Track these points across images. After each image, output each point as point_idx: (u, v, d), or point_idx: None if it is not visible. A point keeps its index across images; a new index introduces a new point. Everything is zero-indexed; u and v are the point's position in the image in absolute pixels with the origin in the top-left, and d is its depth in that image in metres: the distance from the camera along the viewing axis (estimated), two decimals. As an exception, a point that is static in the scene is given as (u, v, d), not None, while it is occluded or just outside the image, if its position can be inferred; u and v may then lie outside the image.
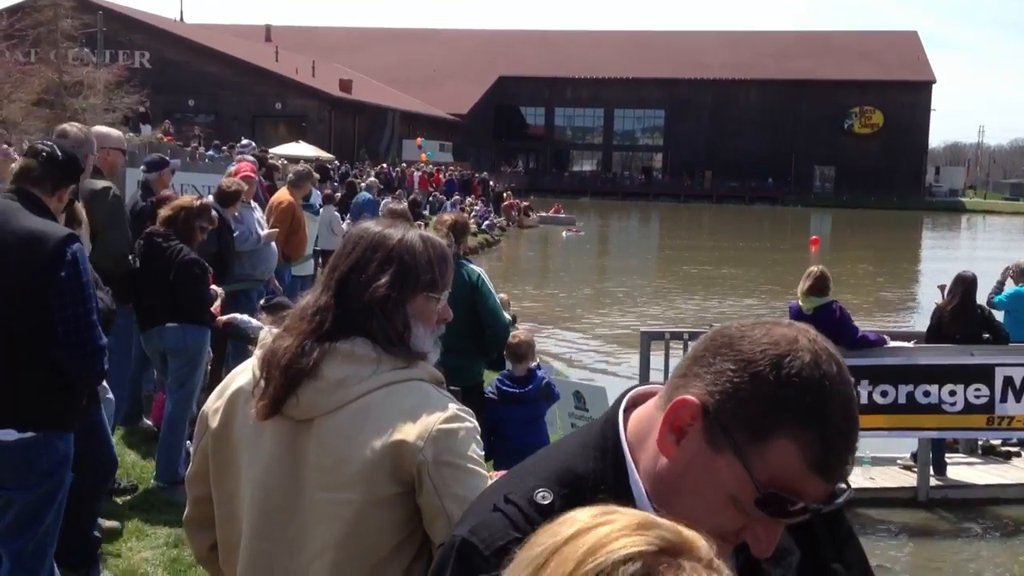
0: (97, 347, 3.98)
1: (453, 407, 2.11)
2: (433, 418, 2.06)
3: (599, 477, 1.40)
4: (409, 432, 2.04)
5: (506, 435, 6.51)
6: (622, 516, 0.98)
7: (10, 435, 3.89)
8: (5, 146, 19.29)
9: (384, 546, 2.07)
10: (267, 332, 2.23)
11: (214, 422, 2.23)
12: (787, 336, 1.32)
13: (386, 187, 31.61)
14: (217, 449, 2.22)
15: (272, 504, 2.12)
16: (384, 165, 46.52)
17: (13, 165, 4.42)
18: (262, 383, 2.12)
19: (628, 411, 1.47)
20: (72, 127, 5.93)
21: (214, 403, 2.26)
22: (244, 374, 2.23)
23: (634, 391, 1.50)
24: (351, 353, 2.10)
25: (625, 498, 1.37)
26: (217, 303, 6.97)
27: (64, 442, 4.04)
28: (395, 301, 2.14)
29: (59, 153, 4.09)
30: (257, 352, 2.19)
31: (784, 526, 1.34)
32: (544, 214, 49.08)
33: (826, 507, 1.31)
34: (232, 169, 10.27)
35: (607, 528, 0.96)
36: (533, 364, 6.93)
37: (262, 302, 7.84)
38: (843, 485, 1.32)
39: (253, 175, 9.89)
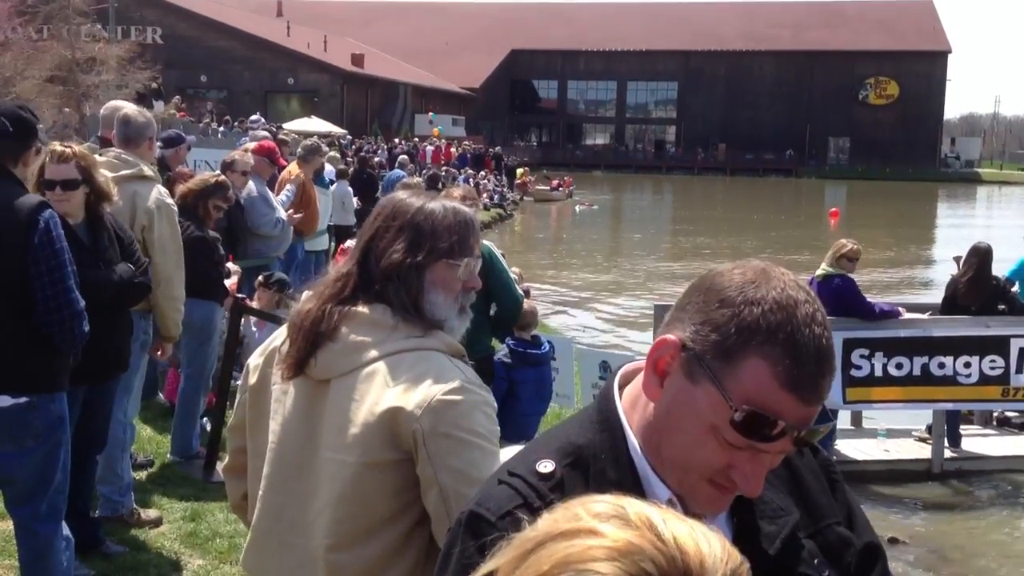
0: (75, 311, 4.03)
1: (461, 379, 2.11)
2: (436, 388, 2.07)
3: (599, 446, 1.43)
4: (408, 400, 2.06)
5: (519, 397, 6.62)
6: (619, 532, 0.93)
7: (4, 401, 3.97)
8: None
9: (379, 509, 2.10)
10: (305, 296, 2.28)
11: (253, 378, 2.32)
12: (757, 268, 1.37)
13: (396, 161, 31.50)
14: (253, 404, 2.31)
15: (287, 460, 2.19)
16: (397, 140, 46.48)
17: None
18: (287, 344, 2.19)
19: (623, 386, 1.50)
20: (133, 111, 5.91)
21: (256, 359, 2.34)
22: (282, 334, 2.30)
23: (626, 366, 1.53)
24: (369, 318, 2.15)
25: (625, 464, 1.41)
26: (233, 280, 6.98)
27: (56, 403, 4.12)
28: (410, 267, 2.17)
29: (9, 125, 4.06)
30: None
31: (770, 460, 1.35)
32: (541, 187, 48.54)
33: (804, 430, 1.32)
34: (251, 144, 10.21)
35: (594, 541, 0.92)
36: (535, 329, 7.04)
37: (259, 279, 7.85)
38: (822, 415, 1.35)
39: (271, 153, 9.82)
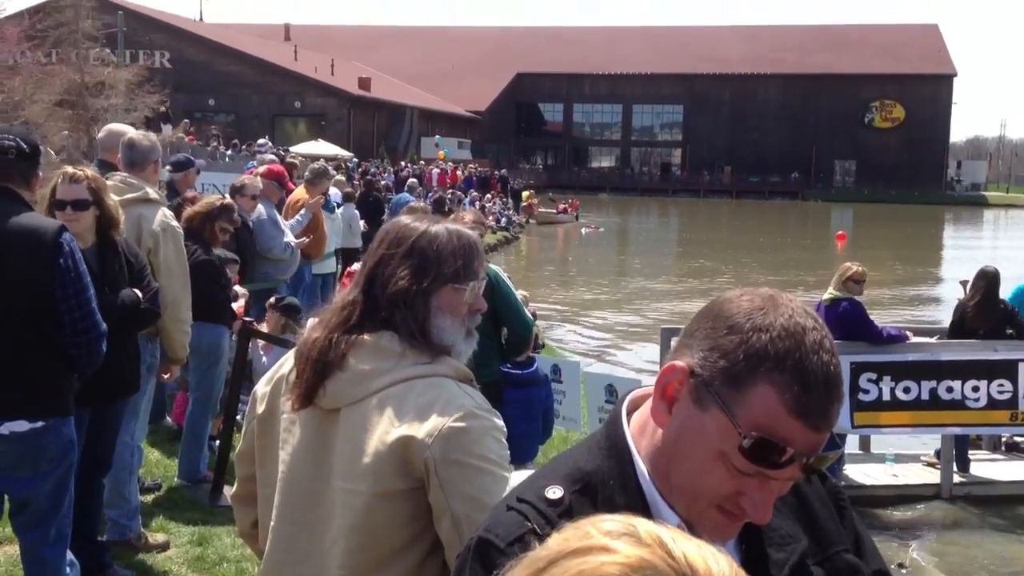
0: (100, 332, 4.14)
1: (470, 405, 2.11)
2: (447, 415, 2.06)
3: (607, 472, 1.43)
4: (419, 428, 2.05)
5: (505, 418, 6.54)
6: (631, 549, 0.94)
7: (22, 425, 4.00)
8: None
9: (392, 539, 2.09)
10: (310, 324, 2.27)
11: (260, 407, 2.30)
12: (764, 295, 1.38)
13: (404, 185, 31.60)
14: (262, 432, 2.29)
15: (298, 490, 2.18)
16: (403, 163, 46.61)
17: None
18: (294, 374, 2.18)
19: (631, 412, 1.51)
20: (138, 135, 5.95)
21: (263, 387, 2.32)
22: (289, 362, 2.29)
23: (634, 393, 1.54)
24: (377, 346, 2.13)
25: (634, 490, 1.41)
26: (240, 303, 6.99)
27: (68, 427, 4.17)
28: (417, 293, 2.16)
29: (25, 146, 4.15)
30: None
31: (779, 487, 1.36)
32: (545, 210, 48.56)
33: (813, 457, 1.32)
34: (259, 168, 10.26)
35: (607, 558, 0.92)
36: (528, 352, 6.95)
37: (271, 301, 7.87)
38: (830, 442, 1.35)
39: (280, 177, 9.86)
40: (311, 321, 2.27)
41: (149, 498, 6.44)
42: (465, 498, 2.02)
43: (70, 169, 4.79)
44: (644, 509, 1.39)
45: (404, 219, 2.30)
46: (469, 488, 2.03)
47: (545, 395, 6.84)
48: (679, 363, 1.37)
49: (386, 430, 2.06)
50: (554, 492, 1.41)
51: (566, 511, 1.39)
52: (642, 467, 1.42)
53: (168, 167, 8.83)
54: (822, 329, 1.35)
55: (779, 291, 1.40)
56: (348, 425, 2.11)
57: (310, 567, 2.15)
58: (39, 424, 4.02)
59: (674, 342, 8.30)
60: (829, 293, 8.54)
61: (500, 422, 2.16)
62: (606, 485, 1.42)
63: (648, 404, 1.45)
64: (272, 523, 2.23)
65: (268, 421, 2.28)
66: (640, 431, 1.45)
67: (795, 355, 1.31)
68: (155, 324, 5.37)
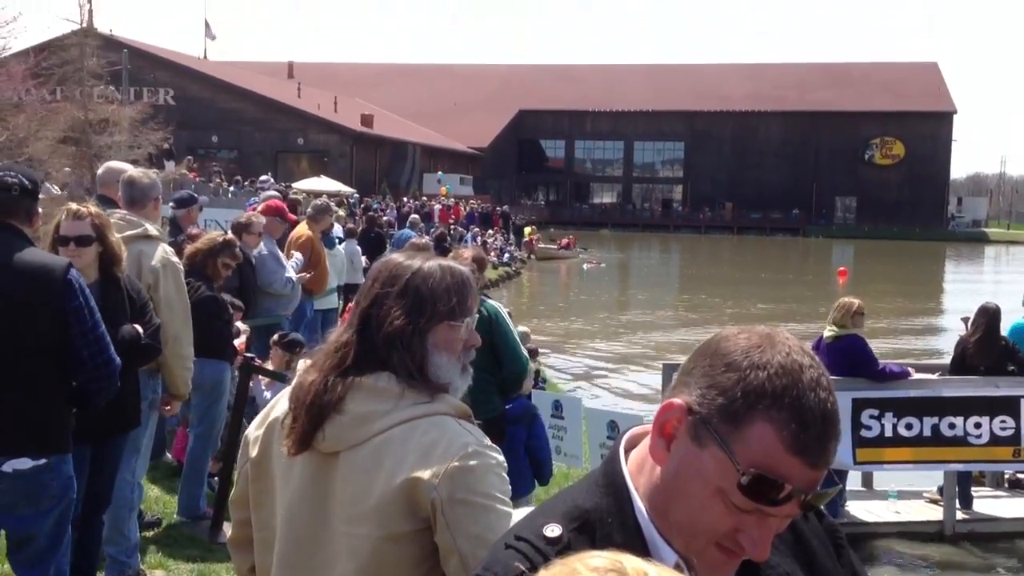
0: (117, 365, 4.20)
1: (473, 443, 2.10)
2: (450, 455, 2.05)
3: (605, 510, 1.44)
4: (425, 469, 2.04)
5: None
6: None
7: (25, 463, 4.00)
8: (46, 185, 19.56)
9: None
10: (303, 364, 2.26)
11: (254, 450, 2.27)
12: (762, 333, 1.39)
13: (406, 220, 31.71)
14: (256, 477, 2.27)
15: (298, 535, 2.15)
16: (406, 199, 46.78)
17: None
18: (290, 418, 2.15)
19: (629, 450, 1.51)
20: (138, 173, 6.00)
21: (255, 431, 2.30)
22: (283, 403, 2.26)
23: (632, 430, 1.54)
24: (374, 387, 2.12)
25: (632, 528, 1.41)
26: (242, 339, 7.00)
27: (67, 464, 4.17)
28: (413, 333, 2.15)
29: (27, 182, 4.19)
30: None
31: (777, 524, 1.36)
32: (545, 245, 48.63)
33: (811, 494, 1.33)
34: (259, 204, 10.31)
35: None
36: (525, 390, 6.88)
37: (274, 338, 7.87)
38: (828, 479, 1.36)
39: (280, 211, 9.90)
40: (302, 363, 2.25)
41: (148, 534, 6.41)
42: (472, 537, 2.02)
43: (74, 206, 4.82)
44: (642, 547, 1.39)
45: (396, 257, 2.30)
46: (475, 527, 2.02)
47: (524, 434, 6.70)
48: (677, 401, 1.38)
49: (391, 472, 2.05)
50: (552, 530, 1.42)
51: (564, 549, 1.39)
52: (640, 505, 1.43)
53: (171, 204, 8.89)
54: (819, 367, 1.36)
55: (777, 329, 1.41)
56: (349, 469, 2.09)
57: None
58: (42, 461, 4.02)
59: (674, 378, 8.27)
60: (831, 329, 8.51)
61: (501, 458, 2.16)
62: (604, 523, 1.42)
63: (646, 441, 1.46)
64: (273, 569, 2.20)
65: (262, 465, 2.25)
66: (638, 469, 1.46)
67: (792, 392, 1.32)
68: (156, 360, 5.38)
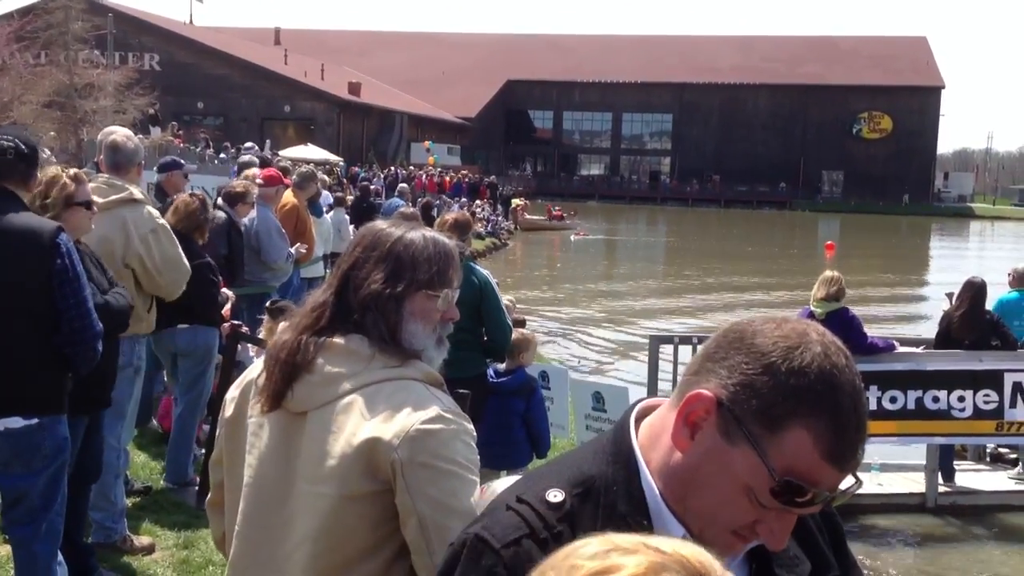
0: (96, 332, 4.19)
1: (438, 408, 2.09)
2: (414, 417, 2.05)
3: (611, 479, 1.42)
4: (386, 430, 2.04)
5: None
6: (631, 562, 0.94)
7: (16, 422, 4.05)
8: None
9: (358, 542, 2.08)
10: (281, 328, 2.26)
11: (228, 410, 2.28)
12: (797, 329, 1.36)
13: (393, 190, 31.62)
14: (229, 436, 2.28)
15: (264, 493, 2.16)
16: (392, 168, 46.60)
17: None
18: (264, 377, 2.17)
19: (639, 420, 1.50)
20: (122, 138, 5.94)
21: (232, 392, 2.31)
22: (257, 366, 2.28)
23: (643, 402, 1.54)
24: (345, 348, 2.12)
25: (637, 498, 1.40)
26: (227, 306, 6.98)
27: (61, 425, 4.20)
28: (389, 297, 2.15)
29: (24, 146, 4.20)
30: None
31: (796, 518, 1.37)
32: (538, 218, 48.59)
33: (838, 496, 1.34)
34: (254, 172, 10.16)
35: (620, 574, 0.93)
36: (525, 363, 6.93)
37: (267, 305, 7.84)
38: (853, 477, 1.36)
39: (279, 180, 9.80)
40: (282, 326, 2.26)
41: (135, 501, 6.41)
42: (432, 501, 2.02)
43: (73, 170, 4.84)
44: (646, 518, 1.39)
45: (381, 223, 2.30)
46: (435, 491, 2.03)
47: (523, 407, 6.76)
48: (706, 392, 1.35)
49: (353, 432, 2.06)
50: (555, 495, 1.41)
51: (566, 515, 1.40)
52: (648, 477, 1.42)
53: (155, 169, 8.82)
54: (853, 367, 1.36)
55: (809, 323, 1.39)
56: (315, 428, 2.10)
57: (274, 571, 2.13)
58: (34, 421, 4.06)
59: (664, 350, 8.27)
60: (822, 305, 8.45)
61: (470, 426, 2.16)
62: (609, 491, 1.41)
63: (659, 414, 1.46)
64: (237, 528, 2.21)
65: (235, 425, 2.25)
66: (650, 443, 1.44)
67: (831, 399, 1.31)
68: (146, 323, 5.44)
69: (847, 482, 1.36)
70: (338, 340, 2.12)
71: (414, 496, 2.02)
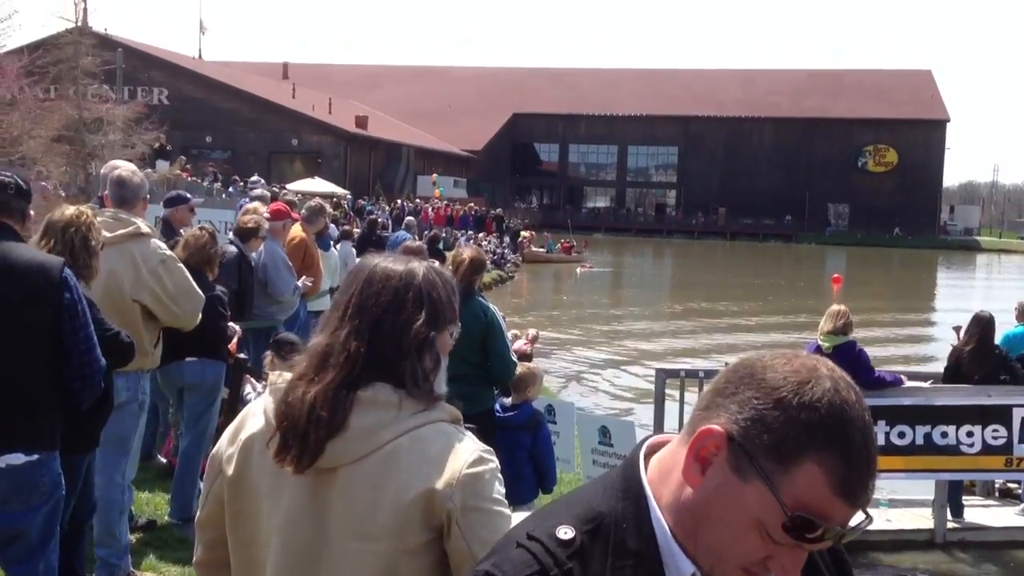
0: (101, 366, 4.21)
1: (477, 449, 2.10)
2: (460, 462, 2.05)
3: (621, 515, 1.42)
4: (438, 479, 2.02)
5: None
6: None
7: (18, 458, 4.01)
8: (44, 183, 19.51)
9: None
10: (277, 375, 2.17)
11: (228, 469, 2.17)
12: (807, 364, 1.37)
13: (400, 222, 31.71)
14: (233, 497, 2.17)
15: (296, 553, 2.09)
16: (399, 200, 46.76)
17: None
18: (285, 436, 2.05)
19: (648, 456, 1.50)
20: (127, 172, 5.97)
21: (227, 449, 2.20)
22: (256, 418, 2.17)
23: (652, 439, 1.54)
24: (374, 399, 2.07)
25: (647, 534, 1.40)
26: (234, 340, 6.98)
27: (56, 461, 4.18)
28: (431, 341, 2.14)
29: (22, 183, 4.23)
30: (270, 398, 2.13)
31: (806, 554, 1.37)
32: (536, 249, 48.67)
33: (849, 531, 1.34)
34: (258, 206, 10.16)
35: None
36: (531, 397, 6.91)
37: (271, 339, 7.84)
38: (863, 514, 1.36)
39: (287, 214, 9.83)
40: (280, 376, 2.15)
41: (140, 536, 6.38)
42: (484, 543, 1.99)
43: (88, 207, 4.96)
44: (656, 555, 1.39)
45: (388, 262, 2.22)
46: (486, 533, 2.01)
47: (530, 441, 6.73)
48: (717, 428, 1.36)
49: (405, 484, 2.02)
50: (566, 532, 1.41)
51: (577, 552, 1.40)
52: (658, 513, 1.42)
53: (162, 203, 8.87)
54: (863, 402, 1.36)
55: (818, 359, 1.40)
56: (351, 483, 2.04)
57: None
58: (34, 457, 4.03)
59: (670, 383, 8.24)
60: (830, 339, 8.44)
61: (497, 461, 2.15)
62: (619, 528, 1.41)
63: (669, 450, 1.46)
64: None
65: (241, 485, 2.15)
66: (660, 479, 1.44)
67: (842, 435, 1.32)
68: (151, 357, 5.46)
69: (857, 518, 1.36)
70: (365, 392, 2.06)
71: (469, 540, 2.02)
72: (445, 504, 2.02)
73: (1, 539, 4.20)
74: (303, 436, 2.04)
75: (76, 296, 4.09)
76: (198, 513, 2.30)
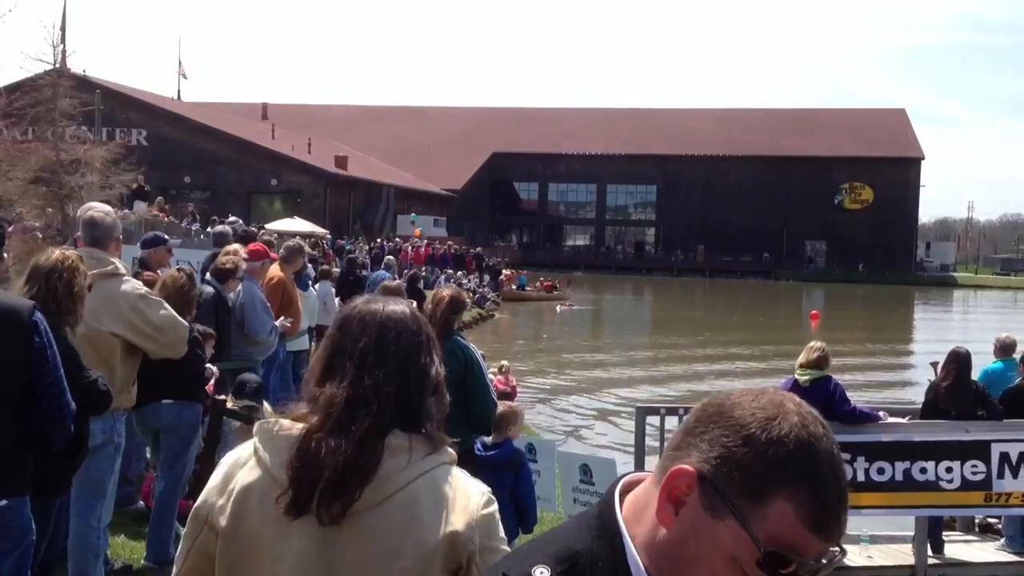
0: (72, 410, 4.16)
1: (485, 490, 2.15)
2: (475, 504, 2.10)
3: (597, 554, 1.42)
4: (458, 522, 2.06)
5: None
6: None
7: None
8: (31, 223, 19.40)
9: None
10: (272, 423, 2.13)
11: (221, 520, 2.10)
12: (774, 400, 1.38)
13: (379, 262, 31.69)
14: (227, 548, 2.11)
15: None
16: (379, 240, 46.77)
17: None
18: (308, 486, 2.01)
19: (623, 494, 1.50)
20: (99, 213, 5.95)
21: (217, 500, 2.13)
22: (247, 469, 2.12)
23: (628, 476, 1.54)
24: (388, 445, 2.07)
25: (623, 573, 1.40)
26: (211, 382, 6.95)
27: (27, 507, 4.13)
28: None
29: (7, 226, 4.22)
30: (265, 447, 2.09)
31: None
32: (516, 287, 48.84)
33: (823, 566, 1.34)
34: (237, 247, 10.14)
35: None
36: (513, 436, 6.88)
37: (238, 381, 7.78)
38: (836, 548, 1.36)
39: (266, 254, 9.82)
40: (276, 423, 2.12)
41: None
42: None
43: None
44: None
45: (392, 305, 2.23)
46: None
47: (511, 480, 6.70)
48: (687, 468, 1.36)
49: (427, 528, 2.04)
50: (541, 572, 1.41)
51: None
52: (633, 552, 1.42)
53: (139, 244, 8.86)
54: (831, 436, 1.37)
55: (785, 394, 1.41)
56: (369, 529, 2.03)
57: None
58: (3, 503, 3.98)
59: (651, 420, 8.22)
60: (807, 373, 8.50)
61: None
62: (595, 567, 1.41)
63: (643, 489, 1.46)
64: None
65: (236, 535, 2.09)
66: (635, 518, 1.45)
67: (811, 469, 1.33)
68: (126, 398, 5.42)
69: (831, 553, 1.36)
70: (391, 438, 2.07)
71: None
72: (467, 546, 2.05)
73: None
74: (338, 485, 2.01)
75: (46, 340, 4.04)
76: (176, 569, 2.22)
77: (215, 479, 2.17)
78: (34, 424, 4.05)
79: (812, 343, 8.79)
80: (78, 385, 4.34)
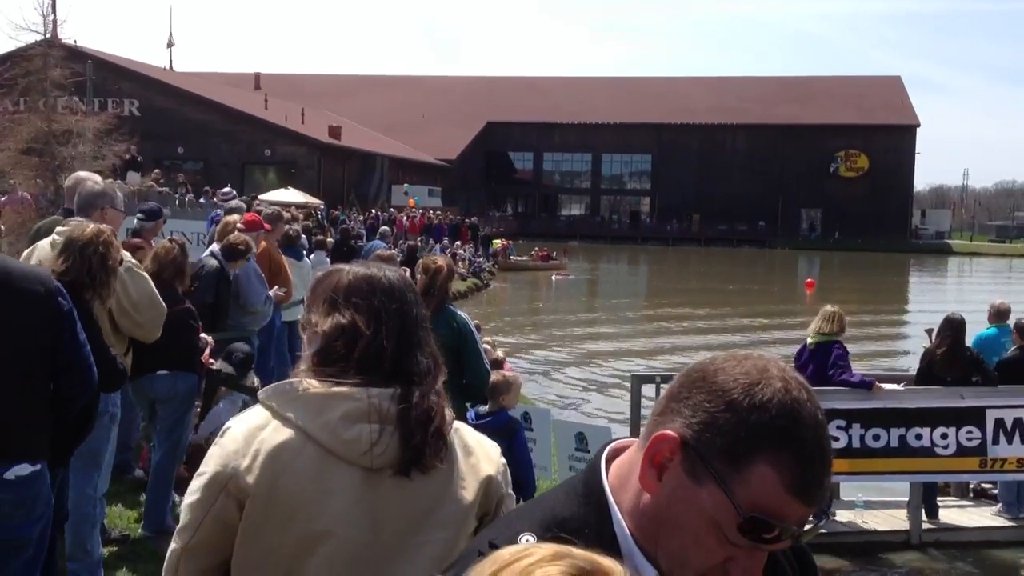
0: (95, 373, 4.16)
1: (493, 442, 2.28)
2: (494, 453, 2.23)
3: (583, 521, 1.43)
4: (490, 467, 2.18)
5: None
6: (540, 549, 1.06)
7: (24, 469, 3.92)
8: (24, 194, 19.32)
9: None
10: (297, 383, 2.11)
11: (248, 480, 2.06)
12: (757, 366, 1.37)
13: (375, 232, 31.63)
14: (256, 510, 2.08)
15: (359, 558, 2.07)
16: (373, 210, 46.66)
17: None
18: (408, 438, 2.06)
19: (610, 461, 1.50)
20: (85, 181, 5.94)
21: (242, 462, 2.08)
22: (271, 430, 2.09)
23: (614, 443, 1.54)
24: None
25: (609, 539, 1.40)
26: (206, 352, 6.94)
27: (48, 470, 4.11)
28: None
29: None
30: (305, 407, 2.08)
31: (766, 555, 1.37)
32: (516, 258, 48.90)
33: (805, 531, 1.34)
34: (235, 218, 10.07)
35: (527, 560, 1.03)
36: (508, 405, 6.87)
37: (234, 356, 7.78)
38: (820, 513, 1.37)
39: (260, 224, 9.77)
40: (310, 384, 2.10)
41: (112, 550, 6.32)
42: None
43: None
44: (619, 560, 1.38)
45: (385, 272, 2.24)
46: None
47: (504, 448, 6.70)
48: (670, 433, 1.36)
49: (465, 475, 2.14)
50: (527, 540, 1.40)
51: None
52: (619, 517, 1.42)
53: (139, 215, 8.79)
54: (815, 401, 1.37)
55: (769, 359, 1.40)
56: (407, 479, 2.08)
57: None
58: (38, 467, 3.97)
59: (646, 390, 8.25)
60: (817, 335, 8.57)
61: None
62: (581, 533, 1.39)
63: (628, 455, 1.46)
64: None
65: (269, 494, 2.06)
66: (620, 484, 1.45)
67: (794, 434, 1.32)
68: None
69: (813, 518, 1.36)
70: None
71: None
72: (499, 490, 2.17)
73: (7, 551, 4.09)
74: (439, 435, 2.10)
75: (69, 304, 4.04)
76: (187, 538, 2.16)
77: (232, 444, 2.11)
78: (59, 388, 4.04)
79: (828, 309, 8.88)
80: (98, 359, 4.32)
